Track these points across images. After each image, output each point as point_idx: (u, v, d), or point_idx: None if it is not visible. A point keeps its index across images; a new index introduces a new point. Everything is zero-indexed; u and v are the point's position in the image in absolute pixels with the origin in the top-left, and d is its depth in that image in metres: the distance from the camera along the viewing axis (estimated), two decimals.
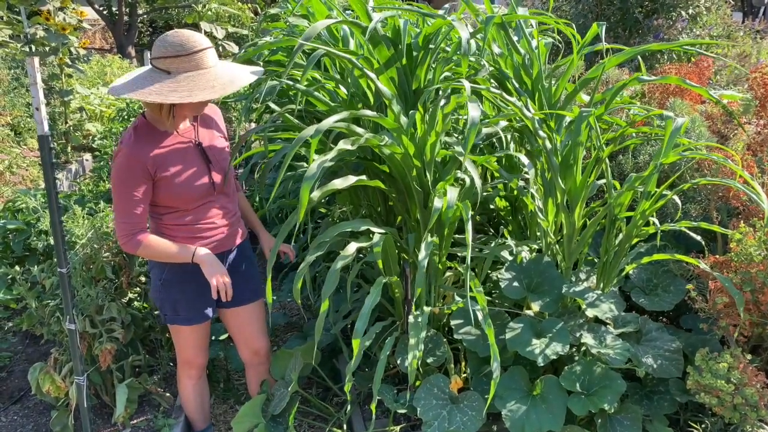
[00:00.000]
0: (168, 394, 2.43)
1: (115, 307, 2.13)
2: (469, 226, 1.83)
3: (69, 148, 6.59)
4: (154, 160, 1.88)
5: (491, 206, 2.63)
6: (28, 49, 6.26)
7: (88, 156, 6.74)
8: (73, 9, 6.31)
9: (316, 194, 1.86)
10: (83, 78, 8.01)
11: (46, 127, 1.78)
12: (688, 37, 5.21)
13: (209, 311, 2.10)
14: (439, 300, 2.35)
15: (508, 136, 2.55)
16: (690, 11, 5.27)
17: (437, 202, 1.77)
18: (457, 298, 2.29)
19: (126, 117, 6.02)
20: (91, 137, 6.91)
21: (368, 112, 1.84)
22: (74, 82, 6.58)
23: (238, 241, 2.13)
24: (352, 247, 1.90)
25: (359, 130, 1.89)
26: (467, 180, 2.03)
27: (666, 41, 4.98)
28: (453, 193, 1.86)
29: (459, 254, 2.36)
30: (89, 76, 8.86)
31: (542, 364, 1.93)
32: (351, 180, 1.91)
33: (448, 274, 2.37)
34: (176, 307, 2.05)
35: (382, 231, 1.98)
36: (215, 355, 2.73)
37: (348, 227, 1.94)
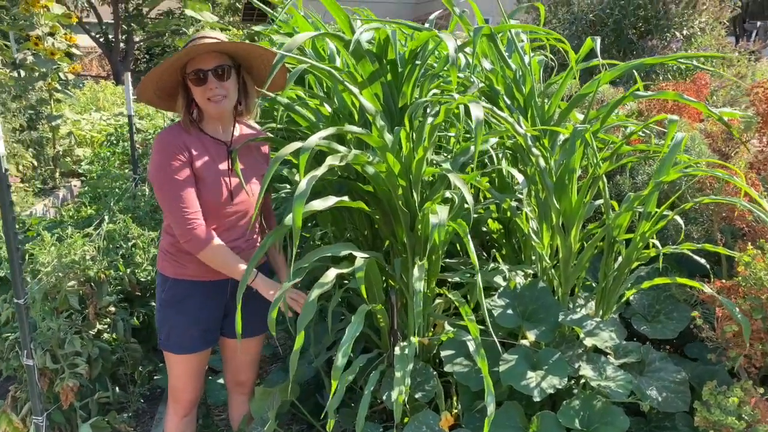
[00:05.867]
0: None
1: (78, 340, 1.98)
2: (471, 246, 1.71)
3: (57, 173, 6.48)
4: (187, 146, 1.82)
5: (483, 229, 2.51)
6: (16, 74, 6.19)
7: (76, 182, 6.62)
8: (64, 34, 6.25)
9: (291, 218, 1.73)
10: (75, 103, 7.94)
11: (2, 148, 1.66)
12: None
13: (204, 343, 1.98)
14: (428, 329, 2.21)
15: (500, 156, 2.44)
16: (684, 32, 5.23)
17: (433, 219, 1.64)
18: (448, 328, 2.16)
19: (114, 141, 5.92)
20: (80, 162, 6.81)
21: (353, 128, 1.73)
22: (64, 107, 6.49)
23: None
24: (331, 274, 1.76)
25: (341, 148, 1.78)
26: (456, 199, 1.91)
27: None
28: (443, 211, 1.73)
29: (449, 279, 2.23)
30: (82, 102, 8.80)
31: (539, 399, 1.79)
32: (331, 201, 1.79)
33: (438, 301, 2.24)
34: (170, 331, 1.95)
35: (366, 255, 1.85)
36: None
37: (329, 252, 1.81)
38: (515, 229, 2.42)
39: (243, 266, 1.81)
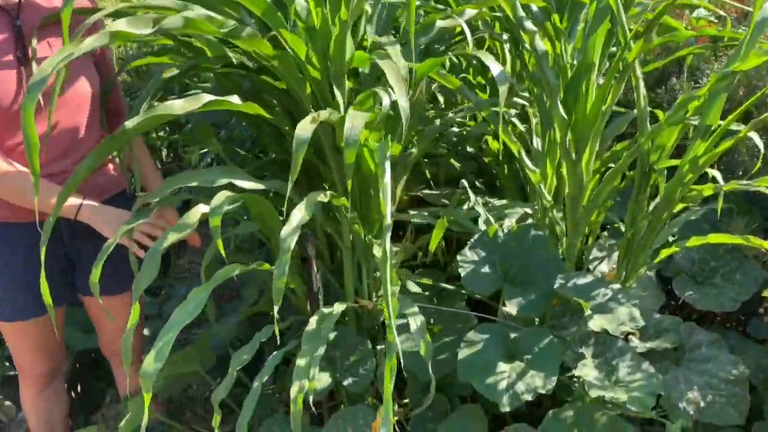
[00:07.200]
0: (8, 403, 1.80)
1: None
2: (387, 178, 1.07)
3: None
4: None
5: (470, 149, 1.84)
6: None
7: None
8: None
9: (132, 123, 1.12)
10: None
11: None
12: None
13: (40, 306, 1.41)
14: (379, 287, 1.62)
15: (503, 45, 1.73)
16: None
17: (298, 133, 1.00)
18: (413, 287, 1.58)
19: None
20: None
21: None
22: None
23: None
24: (194, 213, 1.16)
25: (206, 11, 1.12)
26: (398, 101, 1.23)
27: None
28: (358, 119, 1.08)
29: (411, 221, 1.60)
30: None
31: (508, 410, 1.18)
32: (204, 100, 1.16)
33: (395, 248, 1.62)
34: None
35: (256, 186, 1.23)
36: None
37: (194, 180, 1.20)
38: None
39: (62, 193, 1.18)
